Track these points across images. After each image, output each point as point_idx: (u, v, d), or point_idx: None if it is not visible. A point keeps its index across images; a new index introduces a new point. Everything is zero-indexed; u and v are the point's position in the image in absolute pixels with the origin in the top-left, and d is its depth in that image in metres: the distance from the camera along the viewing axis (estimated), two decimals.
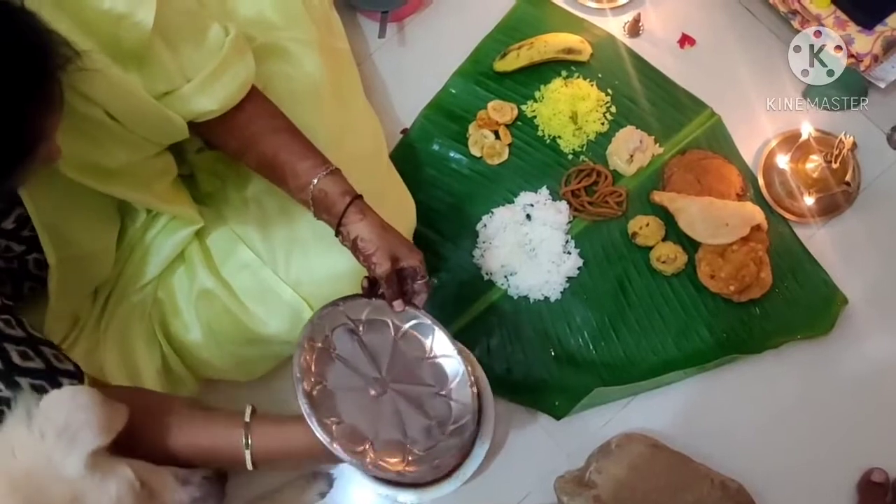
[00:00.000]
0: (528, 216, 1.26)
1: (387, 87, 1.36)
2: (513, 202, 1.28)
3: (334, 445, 0.91)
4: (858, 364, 1.20)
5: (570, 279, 1.24)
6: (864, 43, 1.10)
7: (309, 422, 0.91)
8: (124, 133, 0.85)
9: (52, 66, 0.65)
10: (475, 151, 1.30)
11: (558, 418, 1.19)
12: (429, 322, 0.99)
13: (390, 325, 1.00)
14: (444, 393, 0.99)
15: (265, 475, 1.17)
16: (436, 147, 1.31)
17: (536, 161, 1.30)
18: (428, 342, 1.00)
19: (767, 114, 1.29)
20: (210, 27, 0.88)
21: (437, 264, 1.26)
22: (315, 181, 0.91)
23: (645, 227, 1.23)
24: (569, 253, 1.25)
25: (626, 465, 1.11)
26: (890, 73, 1.18)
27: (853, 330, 1.21)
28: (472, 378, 0.98)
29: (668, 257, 1.21)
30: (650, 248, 1.23)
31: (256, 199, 1.07)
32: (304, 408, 0.91)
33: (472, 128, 1.31)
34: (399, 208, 1.14)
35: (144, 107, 0.84)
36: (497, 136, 1.30)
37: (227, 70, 0.88)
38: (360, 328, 0.99)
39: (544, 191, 1.28)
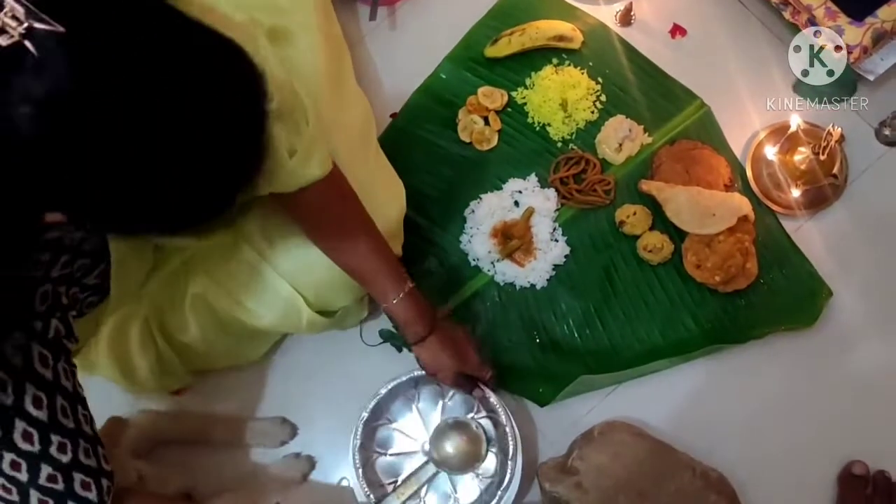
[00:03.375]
0: (517, 203, 1.26)
1: (377, 71, 1.35)
2: (501, 188, 1.27)
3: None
4: (842, 357, 1.21)
5: (556, 267, 1.24)
6: (854, 35, 1.10)
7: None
8: None
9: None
10: (464, 137, 1.30)
11: (542, 405, 1.19)
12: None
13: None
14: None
15: (246, 455, 1.17)
16: (425, 132, 1.31)
17: (525, 148, 1.29)
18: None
19: (756, 105, 1.29)
20: (297, 103, 0.89)
21: (426, 249, 1.26)
22: (390, 303, 1.01)
23: (632, 216, 1.23)
24: (556, 240, 1.24)
25: (609, 452, 1.11)
26: (879, 65, 1.18)
27: (837, 322, 1.21)
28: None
29: (654, 246, 1.21)
30: (637, 237, 1.23)
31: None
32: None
33: (461, 113, 1.30)
34: (388, 193, 1.14)
35: None
36: (487, 122, 1.30)
37: (319, 139, 0.90)
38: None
39: (533, 178, 1.27)
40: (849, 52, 1.11)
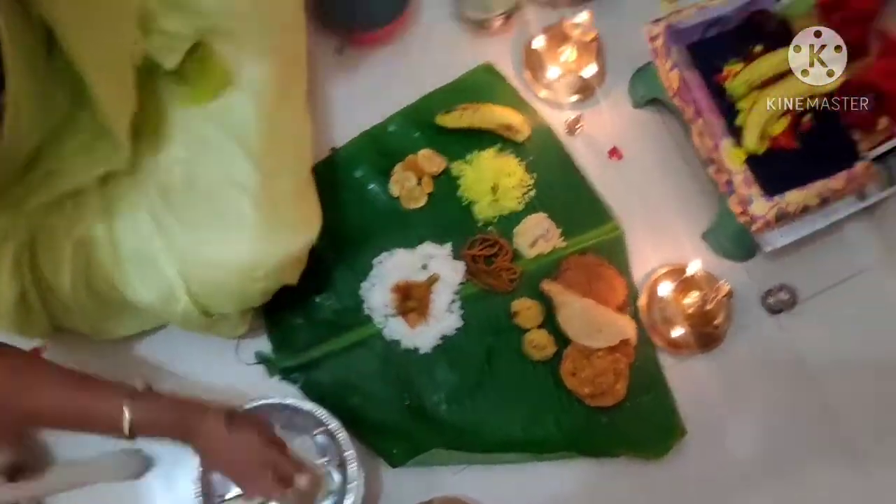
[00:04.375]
0: (425, 266, 1.29)
1: (329, 102, 1.37)
2: (415, 248, 1.30)
3: None
4: (679, 492, 1.26)
5: (444, 337, 1.27)
6: (762, 207, 1.19)
7: None
8: None
9: None
10: (394, 191, 1.33)
11: (393, 466, 1.20)
12: None
13: None
14: None
15: (84, 446, 1.13)
16: (359, 174, 1.34)
17: (448, 217, 1.33)
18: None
19: (664, 242, 1.37)
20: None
21: (325, 285, 1.27)
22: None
23: (527, 310, 1.28)
24: (451, 312, 1.27)
25: None
26: (778, 240, 1.28)
27: (684, 462, 1.27)
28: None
29: (539, 344, 1.26)
30: (526, 331, 1.27)
31: (186, 162, 1.04)
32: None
33: (398, 167, 1.34)
34: (304, 219, 1.14)
35: None
36: (419, 183, 1.33)
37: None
38: None
39: (448, 247, 1.31)
40: (754, 222, 1.21)
